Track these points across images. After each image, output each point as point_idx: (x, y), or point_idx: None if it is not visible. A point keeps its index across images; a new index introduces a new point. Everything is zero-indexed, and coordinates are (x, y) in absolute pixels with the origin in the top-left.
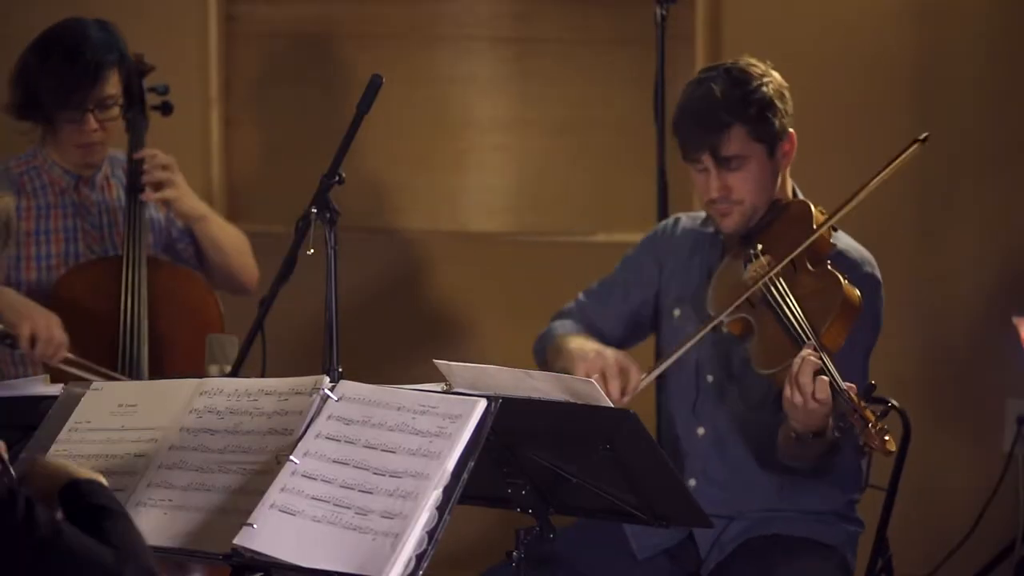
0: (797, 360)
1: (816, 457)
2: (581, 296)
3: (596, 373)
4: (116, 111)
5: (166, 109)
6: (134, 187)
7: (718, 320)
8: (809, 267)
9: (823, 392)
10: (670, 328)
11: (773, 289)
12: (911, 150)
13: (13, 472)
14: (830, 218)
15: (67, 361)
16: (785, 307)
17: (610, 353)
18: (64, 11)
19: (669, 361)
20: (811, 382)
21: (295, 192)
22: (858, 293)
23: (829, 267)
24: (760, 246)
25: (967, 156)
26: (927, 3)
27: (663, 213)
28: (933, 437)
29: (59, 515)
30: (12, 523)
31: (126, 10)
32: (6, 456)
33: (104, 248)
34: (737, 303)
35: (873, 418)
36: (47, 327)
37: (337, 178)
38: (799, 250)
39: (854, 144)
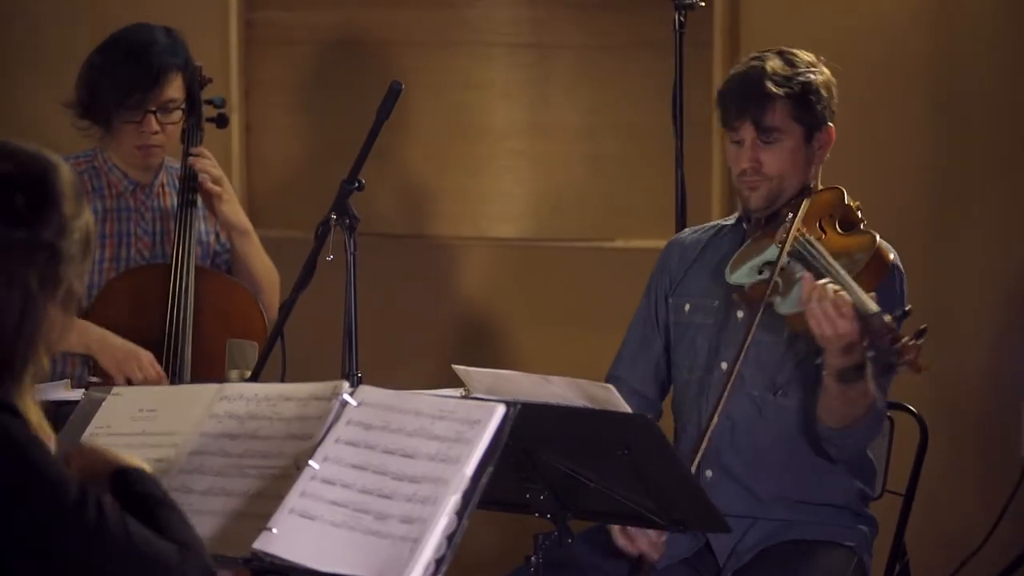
0: (807, 291)
1: (862, 413)
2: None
3: None
4: (178, 115)
5: (221, 122)
6: (186, 196)
7: (773, 273)
8: (839, 230)
9: (845, 305)
10: (680, 324)
11: (805, 242)
12: None
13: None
14: None
15: None
16: (816, 253)
17: None
18: (85, 17)
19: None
20: (831, 304)
21: (315, 198)
22: (891, 254)
23: (863, 227)
24: (790, 215)
25: (982, 158)
26: (943, 8)
27: (681, 219)
28: (950, 442)
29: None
30: (85, 525)
31: (146, 16)
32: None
33: (155, 255)
34: (776, 267)
35: (905, 336)
36: (139, 370)
37: (357, 184)
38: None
39: (870, 147)
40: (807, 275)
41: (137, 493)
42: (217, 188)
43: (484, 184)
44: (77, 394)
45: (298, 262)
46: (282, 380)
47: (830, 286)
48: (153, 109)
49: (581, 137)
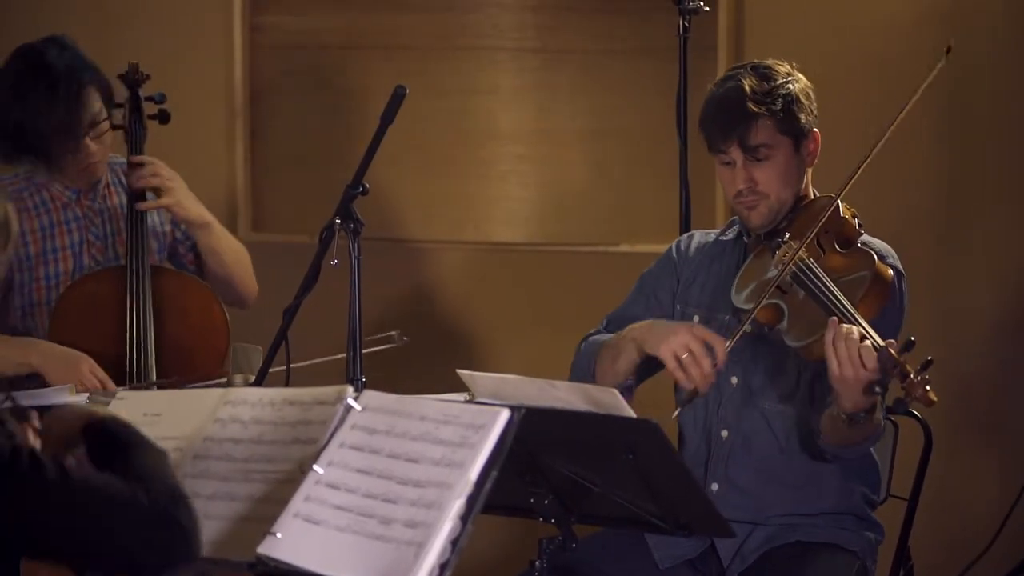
0: (831, 333)
1: (864, 438)
2: (604, 320)
3: (684, 353)
4: (106, 124)
5: (163, 118)
6: (133, 197)
7: (760, 303)
8: (838, 249)
9: (871, 359)
10: None
11: (804, 267)
12: (939, 66)
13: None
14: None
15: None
16: (817, 280)
17: (688, 328)
18: (86, 18)
19: (740, 331)
20: (857, 351)
21: (319, 202)
22: (890, 271)
23: (860, 246)
24: (788, 235)
25: (987, 159)
26: (948, 13)
27: (686, 224)
28: (955, 446)
29: (83, 452)
30: (19, 472)
31: (151, 21)
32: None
33: (108, 258)
34: (771, 287)
35: (913, 371)
36: (80, 380)
37: (361, 188)
38: (826, 214)
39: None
40: (833, 319)
41: (105, 442)
42: (164, 202)
43: (489, 189)
44: (81, 399)
45: (303, 267)
46: (286, 384)
47: (856, 330)
48: (85, 132)
49: (585, 142)
